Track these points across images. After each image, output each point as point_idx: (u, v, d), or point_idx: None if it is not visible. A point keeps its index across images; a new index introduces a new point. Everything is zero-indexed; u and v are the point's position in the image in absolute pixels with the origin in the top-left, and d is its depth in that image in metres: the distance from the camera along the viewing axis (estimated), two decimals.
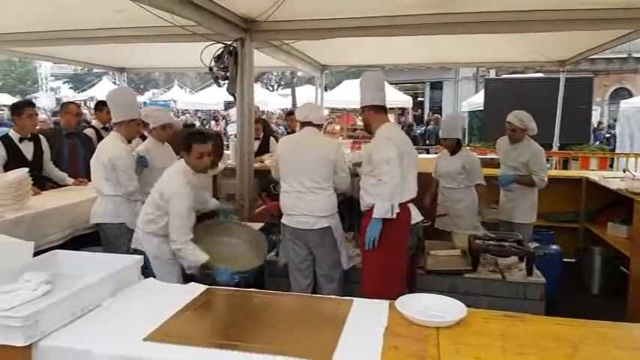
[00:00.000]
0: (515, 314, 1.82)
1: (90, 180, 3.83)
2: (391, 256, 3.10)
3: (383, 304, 1.87)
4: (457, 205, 4.38)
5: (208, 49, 4.61)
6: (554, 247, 4.58)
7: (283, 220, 3.52)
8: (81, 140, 4.77)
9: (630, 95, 19.32)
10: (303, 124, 3.64)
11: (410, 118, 17.42)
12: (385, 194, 3.01)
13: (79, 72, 28.06)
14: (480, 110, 12.83)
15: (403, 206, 3.11)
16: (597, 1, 3.94)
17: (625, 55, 20.17)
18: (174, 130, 5.55)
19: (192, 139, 3.16)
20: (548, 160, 8.39)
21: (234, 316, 1.89)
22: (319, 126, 3.70)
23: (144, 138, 4.25)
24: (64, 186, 4.31)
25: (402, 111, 17.17)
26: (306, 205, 3.37)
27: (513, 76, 14.59)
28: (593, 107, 12.96)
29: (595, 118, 14.43)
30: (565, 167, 8.13)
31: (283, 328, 1.76)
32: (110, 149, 3.55)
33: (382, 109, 3.33)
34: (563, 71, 7.04)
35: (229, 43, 4.57)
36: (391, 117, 14.75)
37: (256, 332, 1.69)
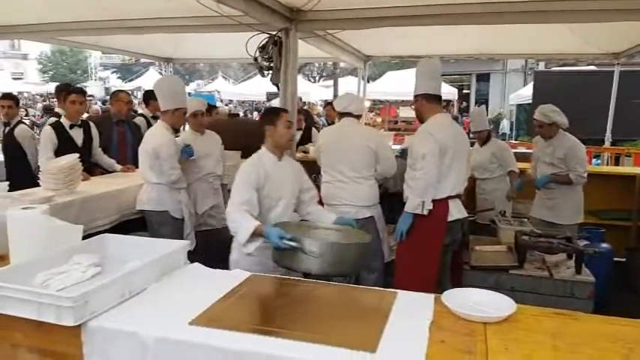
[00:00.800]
0: (567, 312, 1.75)
1: (137, 167, 3.92)
2: (422, 253, 3.04)
3: (428, 297, 1.83)
4: (493, 195, 4.30)
5: (253, 39, 4.64)
6: (604, 245, 4.39)
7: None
8: (130, 128, 4.88)
9: None
10: (343, 114, 3.61)
11: (455, 111, 17.10)
12: (417, 190, 2.97)
13: (126, 62, 28.97)
14: (529, 104, 12.43)
15: (440, 202, 3.02)
16: None
17: None
18: (217, 119, 5.64)
19: (273, 112, 3.05)
20: (598, 156, 8.06)
21: (278, 303, 1.91)
22: (359, 116, 3.67)
23: None
24: (113, 172, 4.43)
25: (447, 103, 16.85)
26: (348, 194, 3.36)
27: (564, 68, 14.02)
28: None
29: None
30: (617, 164, 7.78)
31: (326, 318, 1.75)
32: (155, 138, 3.61)
33: (436, 99, 3.20)
34: (617, 64, 6.71)
35: (274, 33, 4.58)
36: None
37: (299, 320, 1.69)
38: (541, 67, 17.54)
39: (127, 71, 30.63)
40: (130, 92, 7.02)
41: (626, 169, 6.70)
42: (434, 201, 3.00)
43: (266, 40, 4.62)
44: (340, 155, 3.43)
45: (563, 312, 1.74)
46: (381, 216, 3.48)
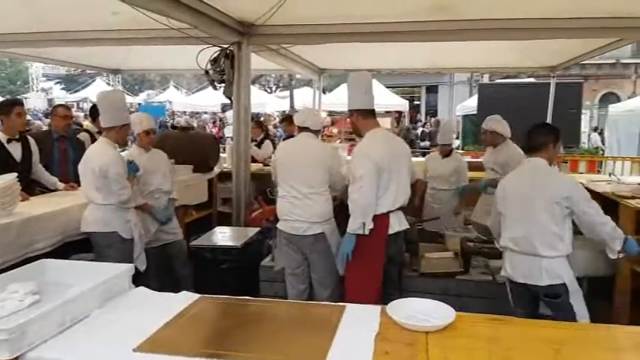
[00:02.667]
0: (502, 317, 1.85)
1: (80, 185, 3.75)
2: (366, 267, 3.08)
3: (375, 309, 1.88)
4: (447, 207, 4.47)
5: (205, 51, 4.62)
6: None
7: (279, 225, 3.52)
8: (72, 144, 4.65)
9: (618, 100, 19.53)
10: (301, 128, 3.64)
11: (407, 122, 17.53)
12: (357, 211, 3.00)
13: (71, 72, 27.86)
14: (474, 114, 12.91)
15: (381, 217, 3.07)
16: (586, 10, 4.01)
17: (613, 61, 20.51)
18: (167, 133, 5.54)
19: None
20: None
21: (226, 324, 1.88)
22: (317, 131, 3.70)
23: None
24: (54, 190, 4.17)
25: (399, 114, 17.25)
26: (302, 211, 3.36)
27: (506, 80, 14.68)
28: (583, 111, 13.07)
29: (584, 122, 14.58)
30: None
31: (275, 336, 1.76)
32: (100, 156, 3.41)
33: (370, 113, 3.24)
34: (553, 76, 7.14)
35: (226, 46, 4.58)
36: (388, 120, 14.83)
37: (248, 341, 1.69)
38: (485, 79, 18.31)
39: (71, 82, 29.42)
40: (71, 106, 6.77)
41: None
42: (375, 216, 3.04)
43: (217, 53, 4.62)
44: (296, 171, 3.42)
45: (498, 317, 1.83)
46: (334, 230, 3.49)
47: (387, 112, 15.58)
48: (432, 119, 17.52)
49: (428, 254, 3.79)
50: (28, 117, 10.71)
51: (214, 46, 4.57)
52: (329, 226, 3.45)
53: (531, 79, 12.24)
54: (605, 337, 1.73)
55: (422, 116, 21.90)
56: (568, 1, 3.86)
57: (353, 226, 3.01)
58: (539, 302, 2.90)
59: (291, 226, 3.41)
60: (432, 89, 23.54)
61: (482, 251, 3.57)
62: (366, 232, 2.99)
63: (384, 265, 3.14)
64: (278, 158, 3.59)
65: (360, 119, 3.21)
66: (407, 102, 17.14)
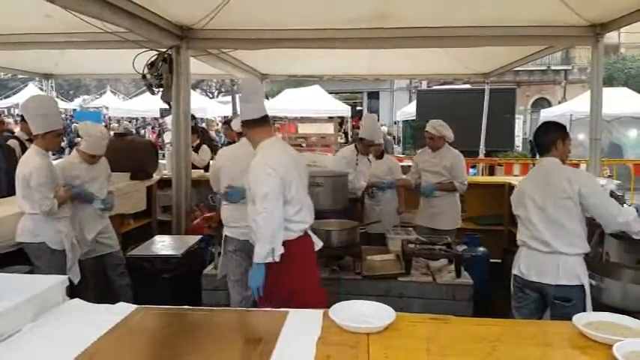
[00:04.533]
0: (441, 317, 1.91)
1: (4, 195, 3.62)
2: (304, 290, 2.73)
3: (317, 313, 1.90)
4: (387, 207, 4.68)
5: (142, 55, 4.51)
6: (481, 249, 4.82)
7: (226, 231, 3.46)
8: (2, 152, 4.45)
9: (550, 105, 20.84)
10: (241, 134, 3.61)
11: (349, 128, 17.77)
12: (263, 237, 2.62)
13: (1, 77, 26.30)
14: (413, 119, 13.31)
15: (303, 238, 2.83)
16: (516, 18, 4.25)
17: (545, 68, 21.82)
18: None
19: None
20: (475, 166, 8.84)
21: (167, 335, 1.85)
22: None
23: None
24: None
25: (342, 120, 17.48)
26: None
27: (443, 87, 15.25)
28: (516, 116, 13.78)
29: (518, 127, 15.34)
30: (491, 173, 8.59)
31: (217, 345, 1.74)
32: (26, 165, 3.29)
33: (263, 120, 2.90)
34: (487, 82, 7.49)
35: (163, 50, 4.50)
36: (331, 126, 15.00)
37: (188, 352, 1.66)
38: (424, 85, 18.94)
39: (1, 87, 27.76)
40: (1, 112, 6.42)
41: (499, 178, 7.42)
42: (297, 239, 2.79)
43: (155, 57, 4.52)
44: (242, 176, 3.38)
45: (437, 317, 1.90)
46: None
47: (330, 117, 15.77)
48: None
49: (370, 257, 3.86)
50: None
51: (152, 49, 4.47)
52: None
53: (467, 86, 12.77)
54: (537, 333, 1.81)
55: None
56: (500, 10, 4.08)
57: (260, 254, 2.63)
58: (545, 309, 2.90)
59: (240, 232, 3.35)
60: (373, 95, 24.08)
61: (423, 253, 3.67)
62: (276, 259, 2.64)
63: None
64: (222, 165, 3.53)
65: (248, 131, 2.93)
66: (349, 108, 17.41)
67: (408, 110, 15.51)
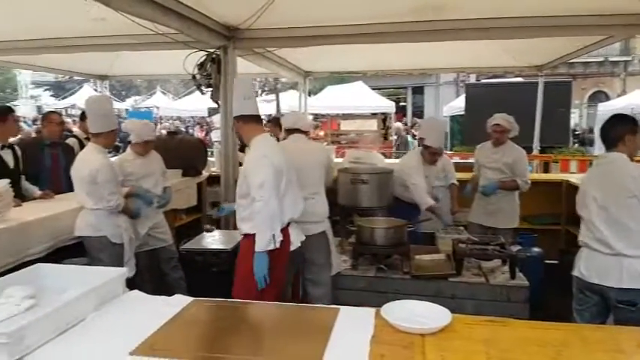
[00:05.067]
0: (499, 319, 1.84)
1: (66, 191, 3.76)
2: (268, 286, 2.84)
3: (369, 312, 1.88)
4: (440, 208, 4.46)
5: (191, 56, 4.61)
6: (536, 249, 4.66)
7: None
8: (63, 150, 4.66)
9: (607, 98, 19.79)
10: (291, 131, 3.63)
11: (393, 124, 17.57)
12: (264, 224, 2.75)
13: (60, 79, 27.67)
14: (461, 115, 12.98)
15: (281, 231, 2.88)
16: (573, 7, 4.05)
17: (602, 59, 20.70)
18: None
19: None
20: (530, 163, 8.53)
21: (221, 327, 1.89)
22: (306, 133, 3.70)
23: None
24: (33, 199, 4.09)
25: (385, 116, 17.31)
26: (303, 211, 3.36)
27: (493, 80, 14.79)
28: (572, 110, 13.20)
29: (574, 121, 14.69)
30: (546, 170, 8.27)
31: (270, 339, 1.76)
32: (90, 162, 3.43)
33: (254, 119, 3.05)
34: (541, 75, 7.19)
35: (212, 50, 4.58)
36: (374, 122, 14.88)
37: (243, 344, 1.69)
38: (472, 79, 18.44)
39: (60, 89, 29.20)
40: (61, 112, 6.73)
41: (555, 175, 7.15)
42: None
43: (204, 57, 4.61)
44: (295, 172, 3.41)
45: (495, 319, 1.83)
46: (330, 228, 3.52)
47: (373, 114, 15.63)
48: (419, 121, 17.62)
49: (418, 256, 3.79)
50: (21, 124, 10.57)
51: (201, 50, 4.56)
52: (327, 224, 3.49)
53: (519, 79, 12.33)
54: (605, 338, 1.71)
55: (408, 118, 21.96)
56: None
57: (262, 242, 2.74)
58: (608, 313, 2.76)
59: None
60: (417, 90, 23.64)
61: (475, 253, 3.57)
62: (277, 245, 2.76)
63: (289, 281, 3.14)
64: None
65: (243, 125, 3.04)
66: (393, 104, 17.19)
67: (456, 105, 15.12)
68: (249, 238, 2.88)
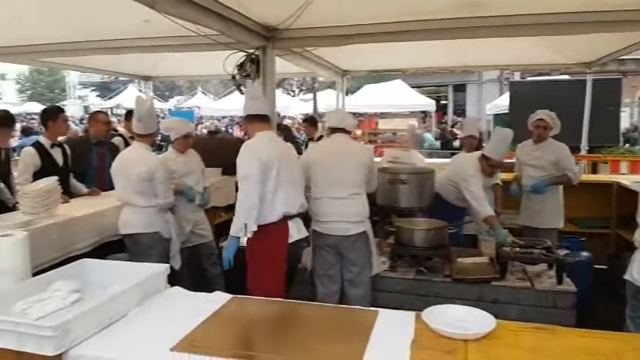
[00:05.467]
0: (547, 326, 1.77)
1: (111, 189, 3.87)
2: (269, 275, 3.07)
3: (409, 315, 1.84)
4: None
5: (231, 57, 4.66)
6: (584, 253, 4.47)
7: (315, 227, 3.48)
8: (109, 149, 4.79)
9: None
10: (334, 129, 3.60)
11: (433, 123, 17.28)
12: (240, 212, 2.97)
13: (105, 80, 28.71)
14: (505, 113, 12.62)
15: (278, 224, 3.06)
16: (622, 2, 3.85)
17: None
18: (197, 137, 5.62)
19: None
20: (576, 163, 8.21)
21: (260, 326, 1.90)
22: (349, 132, 3.67)
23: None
24: (80, 196, 4.28)
25: (425, 114, 17.05)
26: (343, 211, 3.34)
27: (539, 78, 14.32)
28: (622, 109, 12.62)
29: (624, 120, 14.06)
30: (594, 171, 7.93)
31: (308, 339, 1.75)
32: (147, 161, 3.54)
33: (258, 118, 3.24)
34: (589, 73, 6.90)
35: (251, 51, 4.61)
36: (414, 120, 14.67)
37: (281, 343, 1.69)
38: (517, 76, 17.92)
39: (106, 89, 30.35)
40: (107, 112, 6.95)
41: (604, 176, 6.84)
42: (271, 224, 3.03)
43: (243, 58, 4.66)
44: (335, 172, 3.39)
45: (542, 326, 1.76)
46: (371, 229, 3.49)
47: (412, 112, 15.41)
48: (460, 119, 17.26)
49: (460, 259, 3.70)
50: (69, 123, 11.01)
51: (240, 51, 4.61)
52: (368, 224, 3.46)
53: (566, 76, 11.89)
54: None
55: (449, 116, 21.56)
56: None
57: (235, 228, 2.98)
58: None
59: (332, 227, 3.38)
60: (459, 88, 23.13)
61: (520, 256, 3.45)
62: (249, 235, 2.96)
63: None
64: (311, 159, 3.54)
65: (248, 124, 3.27)
66: (433, 102, 16.90)
67: (500, 103, 14.71)
68: (259, 228, 3.04)
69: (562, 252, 3.67)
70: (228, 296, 2.06)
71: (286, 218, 3.11)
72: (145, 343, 1.66)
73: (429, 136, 13.37)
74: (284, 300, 2.12)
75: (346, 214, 3.34)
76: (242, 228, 2.95)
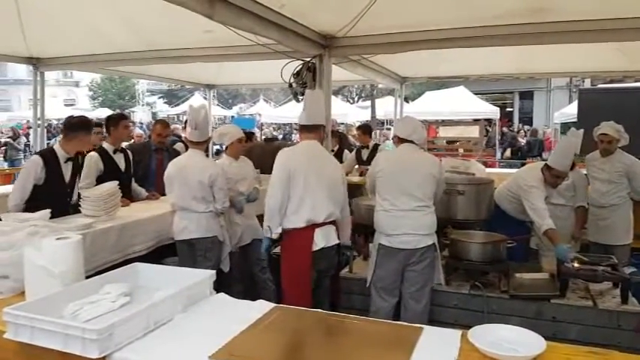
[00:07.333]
0: (602, 351, 1.64)
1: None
2: (296, 278, 3.22)
3: (455, 334, 1.77)
4: (559, 224, 3.86)
5: (289, 65, 4.73)
6: None
7: (380, 240, 3.40)
8: (169, 155, 4.94)
9: None
10: (403, 140, 3.51)
11: (497, 131, 16.69)
12: (265, 215, 3.21)
13: (172, 88, 30.02)
14: (574, 122, 11.98)
15: (303, 231, 3.17)
16: None
17: None
18: (254, 144, 5.74)
19: None
20: None
21: (301, 337, 1.88)
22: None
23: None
24: (140, 200, 4.44)
25: (489, 122, 16.51)
26: (412, 223, 3.27)
27: (610, 85, 13.49)
28: None
29: None
30: None
31: (349, 352, 1.72)
32: (209, 167, 3.70)
33: (305, 128, 3.40)
34: None
35: (308, 59, 4.66)
36: (476, 128, 14.20)
37: (322, 355, 1.66)
38: (587, 84, 16.99)
39: (172, 96, 31.78)
40: (172, 118, 7.24)
41: None
42: (297, 229, 3.17)
43: (300, 66, 4.71)
44: (404, 184, 3.31)
45: (596, 351, 1.63)
46: (437, 242, 3.42)
47: (475, 120, 14.94)
48: (526, 128, 16.55)
49: (519, 274, 3.53)
50: (138, 131, 11.62)
51: (298, 59, 4.66)
52: (435, 237, 3.40)
53: (639, 84, 11.13)
54: None
55: (515, 124, 20.74)
56: None
57: (264, 228, 3.28)
58: None
59: (401, 240, 3.30)
60: (525, 95, 22.29)
61: (583, 273, 3.24)
62: (273, 236, 3.24)
63: (314, 278, 3.24)
64: (382, 169, 3.45)
65: (299, 132, 3.53)
66: (497, 109, 16.31)
67: (568, 112, 14.03)
68: (287, 233, 3.25)
69: (628, 270, 3.41)
70: (270, 305, 2.06)
71: (314, 226, 3.20)
72: (187, 349, 1.68)
73: None
74: (327, 312, 2.09)
75: (416, 226, 3.26)
76: (267, 229, 3.22)
